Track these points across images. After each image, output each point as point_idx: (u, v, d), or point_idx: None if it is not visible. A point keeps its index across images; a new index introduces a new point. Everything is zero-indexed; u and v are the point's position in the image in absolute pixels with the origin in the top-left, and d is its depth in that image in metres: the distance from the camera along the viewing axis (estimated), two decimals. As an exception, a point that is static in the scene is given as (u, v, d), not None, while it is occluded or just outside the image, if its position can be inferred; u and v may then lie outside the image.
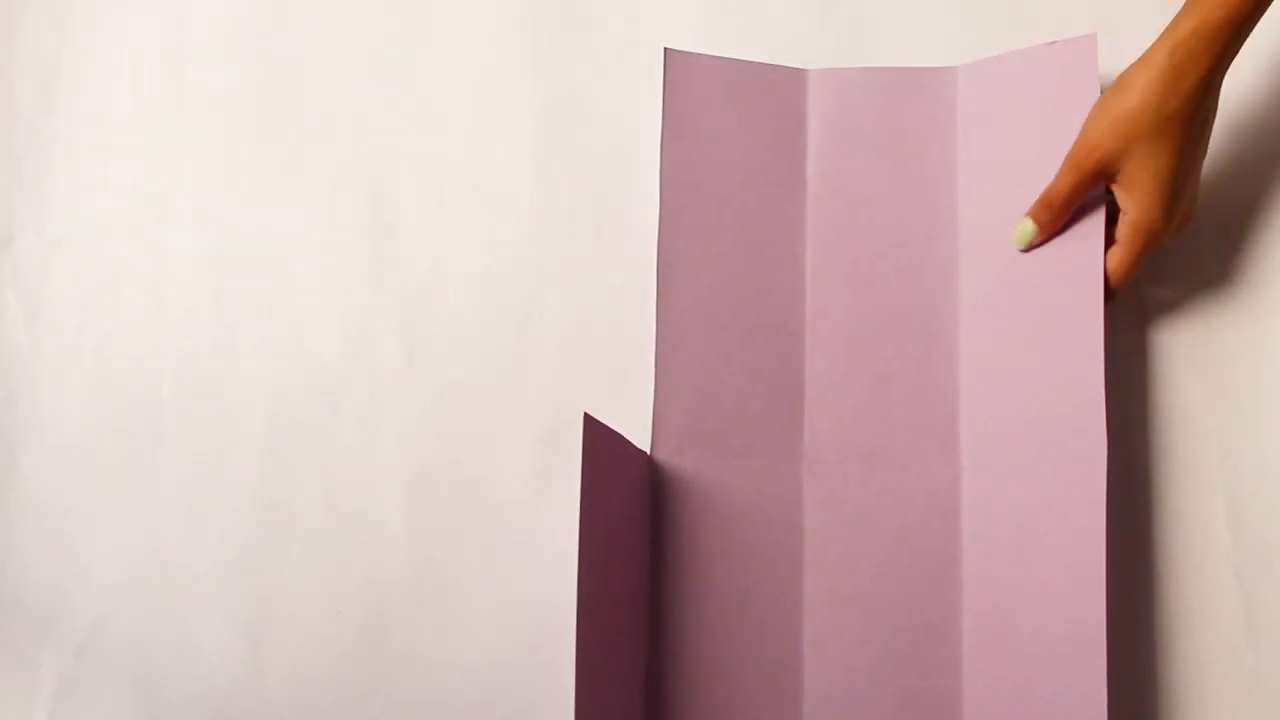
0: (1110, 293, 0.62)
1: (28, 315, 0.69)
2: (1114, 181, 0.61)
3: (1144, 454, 0.64)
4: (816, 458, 0.63)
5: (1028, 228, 0.62)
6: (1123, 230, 0.61)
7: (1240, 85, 0.67)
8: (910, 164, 0.66)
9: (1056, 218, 0.62)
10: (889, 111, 0.66)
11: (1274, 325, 0.65)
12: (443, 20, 0.72)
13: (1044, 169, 0.62)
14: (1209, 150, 0.62)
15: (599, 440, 0.58)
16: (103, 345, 0.69)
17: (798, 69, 0.67)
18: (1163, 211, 0.60)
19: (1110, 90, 0.60)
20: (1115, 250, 0.61)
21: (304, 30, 0.72)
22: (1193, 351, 0.65)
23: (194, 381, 0.68)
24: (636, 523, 0.61)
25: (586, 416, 0.57)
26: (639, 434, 0.63)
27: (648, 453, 0.63)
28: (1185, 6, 0.58)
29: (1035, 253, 0.63)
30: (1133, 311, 0.66)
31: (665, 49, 0.66)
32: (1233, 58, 0.58)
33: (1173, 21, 0.58)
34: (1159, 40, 0.59)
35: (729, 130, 0.66)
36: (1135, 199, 0.60)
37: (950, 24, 0.71)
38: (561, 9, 0.72)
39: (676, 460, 0.63)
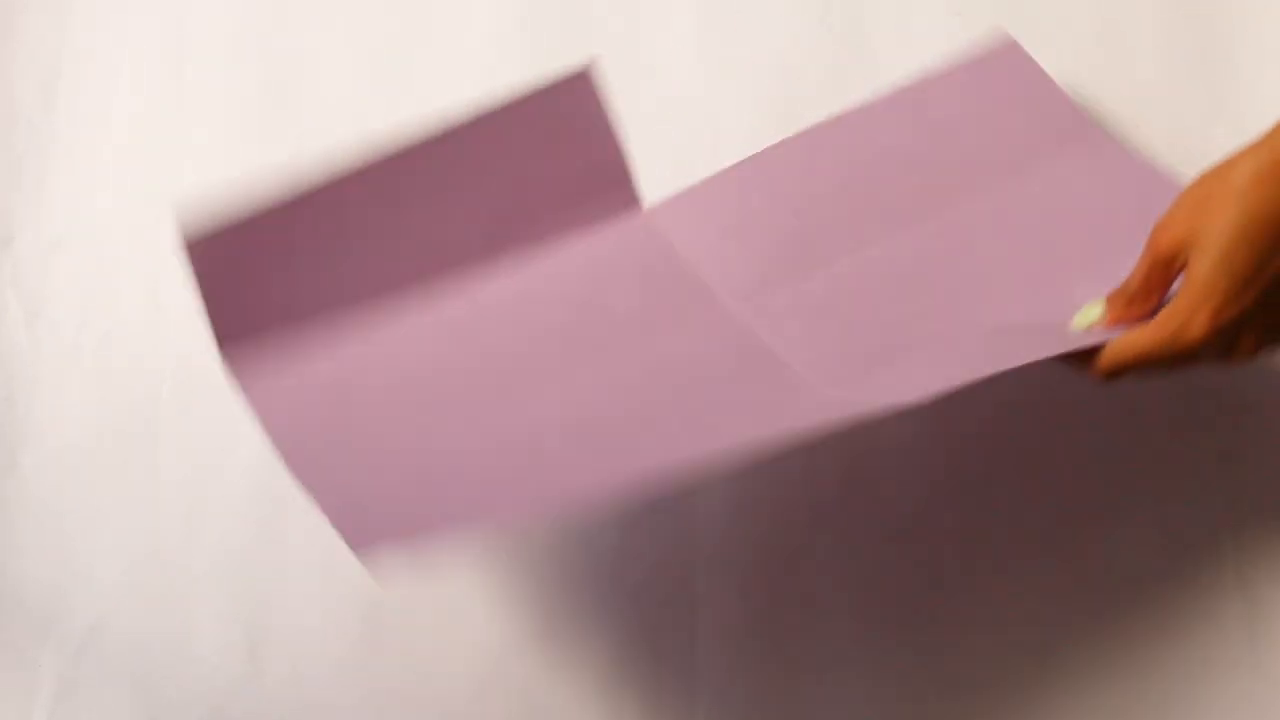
0: (1098, 368, 0.52)
1: (28, 315, 0.69)
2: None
3: (1143, 455, 0.64)
4: (766, 309, 0.62)
5: (1094, 311, 0.54)
6: (1157, 315, 0.51)
7: (1240, 73, 0.67)
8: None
9: (1129, 305, 0.52)
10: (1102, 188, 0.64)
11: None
12: (443, 20, 0.72)
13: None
14: None
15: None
16: (103, 345, 0.69)
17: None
18: (1206, 315, 0.49)
19: (1210, 169, 0.51)
20: (1134, 330, 0.51)
21: (304, 30, 0.72)
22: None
23: (194, 381, 0.68)
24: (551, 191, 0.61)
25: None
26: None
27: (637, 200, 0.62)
28: None
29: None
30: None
31: (1011, 42, 0.66)
32: None
33: None
34: (1276, 125, 0.50)
35: (967, 115, 0.66)
36: (1183, 290, 0.50)
37: (950, 24, 0.71)
38: (561, 9, 0.72)
39: (663, 221, 0.62)
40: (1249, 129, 0.67)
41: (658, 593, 0.64)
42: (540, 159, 0.61)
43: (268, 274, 0.58)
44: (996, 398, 0.63)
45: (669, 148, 0.68)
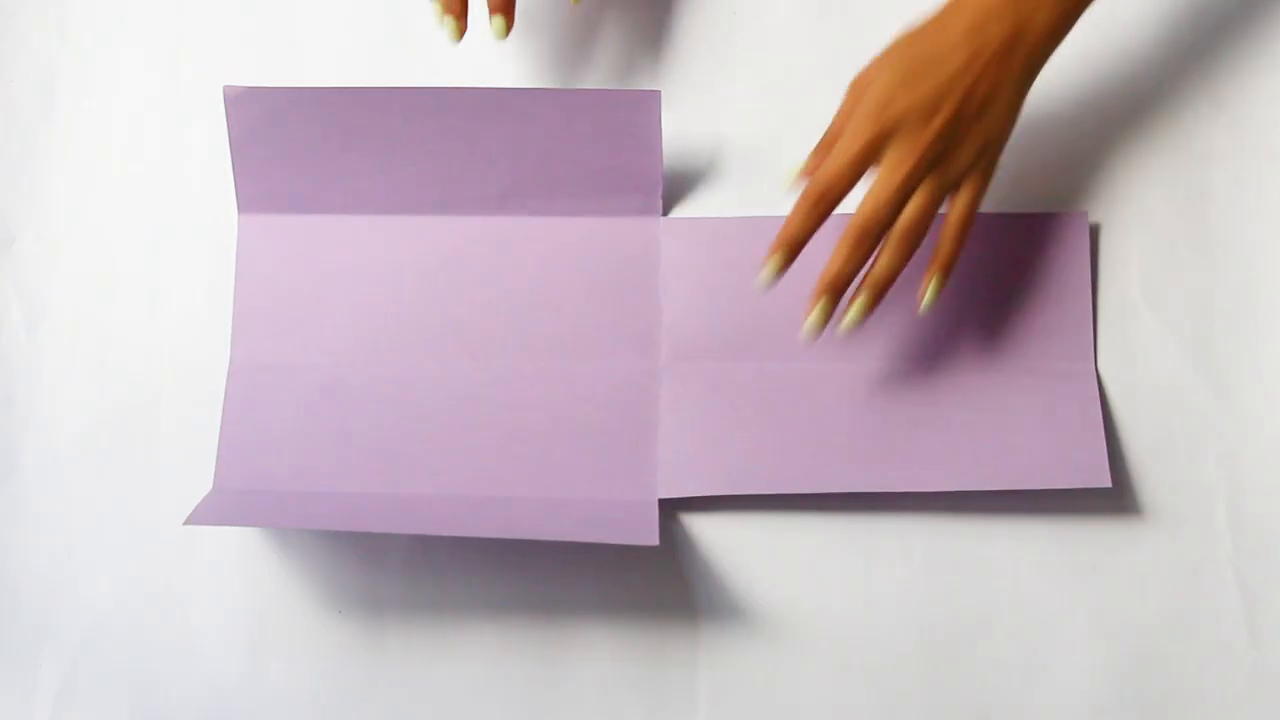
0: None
1: (28, 316, 0.69)
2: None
3: (1144, 452, 0.64)
4: (678, 376, 0.65)
5: (800, 164, 0.62)
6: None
7: (1239, 72, 0.68)
8: None
9: (824, 149, 0.60)
10: None
11: (1276, 325, 0.65)
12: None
13: None
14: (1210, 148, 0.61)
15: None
16: (103, 345, 0.69)
17: None
18: (861, 115, 0.57)
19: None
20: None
21: (303, 30, 0.72)
22: (1193, 350, 0.65)
23: (193, 382, 0.68)
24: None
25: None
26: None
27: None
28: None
29: None
30: (1131, 308, 0.66)
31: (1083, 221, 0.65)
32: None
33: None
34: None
35: None
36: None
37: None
38: (560, 9, 0.72)
39: (667, 238, 0.67)
40: (1248, 127, 0.67)
41: (659, 593, 0.64)
42: (585, 145, 0.65)
43: (296, 147, 0.65)
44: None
45: (668, 147, 0.68)
